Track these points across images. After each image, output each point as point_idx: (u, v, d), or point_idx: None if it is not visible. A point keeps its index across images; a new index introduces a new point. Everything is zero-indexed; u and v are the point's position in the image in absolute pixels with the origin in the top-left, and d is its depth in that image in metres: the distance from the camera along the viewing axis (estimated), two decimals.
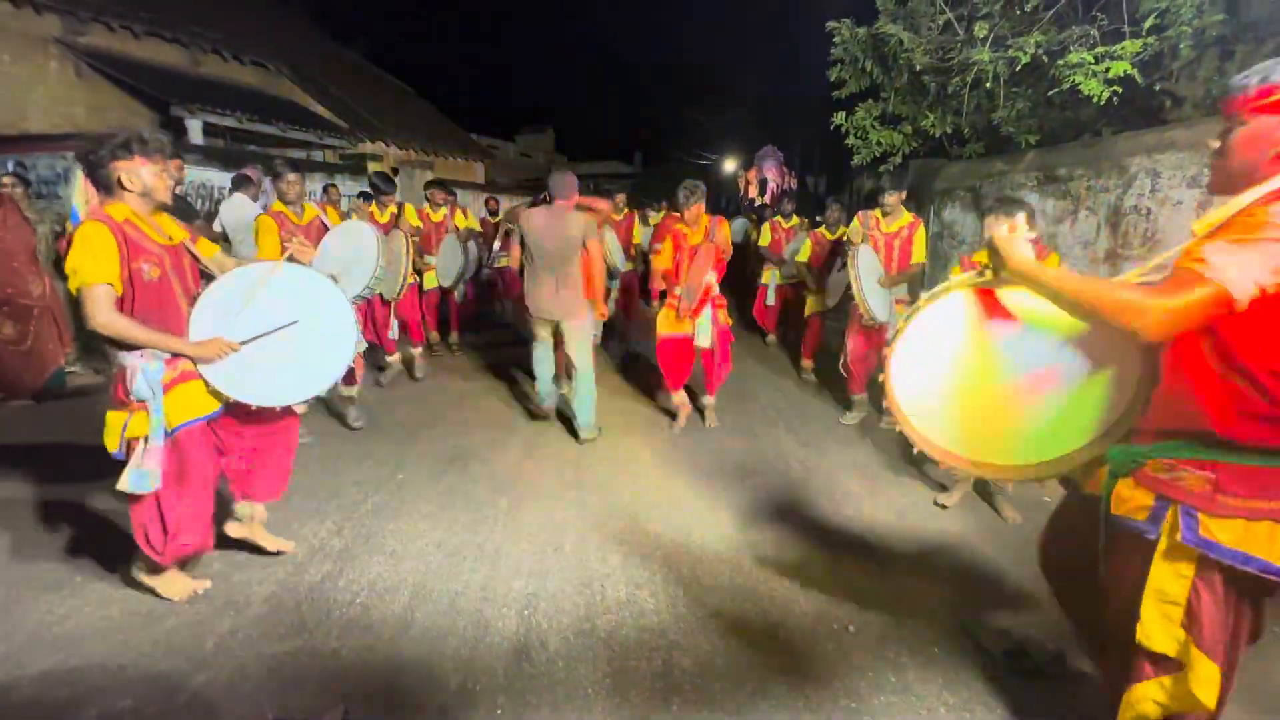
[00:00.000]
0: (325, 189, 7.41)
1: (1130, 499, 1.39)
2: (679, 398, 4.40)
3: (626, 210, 7.45)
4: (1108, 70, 4.42)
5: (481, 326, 7.56)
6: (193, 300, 2.25)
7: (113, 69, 8.27)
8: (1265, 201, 1.18)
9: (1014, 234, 1.46)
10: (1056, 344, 1.53)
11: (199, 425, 2.23)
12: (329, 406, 4.30)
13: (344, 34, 16.03)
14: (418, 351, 5.32)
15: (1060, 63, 4.66)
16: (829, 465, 3.84)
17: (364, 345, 3.62)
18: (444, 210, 6.04)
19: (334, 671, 2.04)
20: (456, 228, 6.03)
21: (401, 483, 3.42)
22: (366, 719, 1.86)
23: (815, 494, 3.44)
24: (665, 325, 4.26)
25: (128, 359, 2.11)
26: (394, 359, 5.05)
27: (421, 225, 5.52)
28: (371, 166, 9.65)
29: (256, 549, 2.62)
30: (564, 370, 5.05)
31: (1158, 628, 1.34)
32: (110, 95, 8.45)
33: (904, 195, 4.51)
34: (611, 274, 6.72)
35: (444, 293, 6.01)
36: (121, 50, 8.71)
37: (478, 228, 7.19)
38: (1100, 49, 4.53)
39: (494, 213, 8.53)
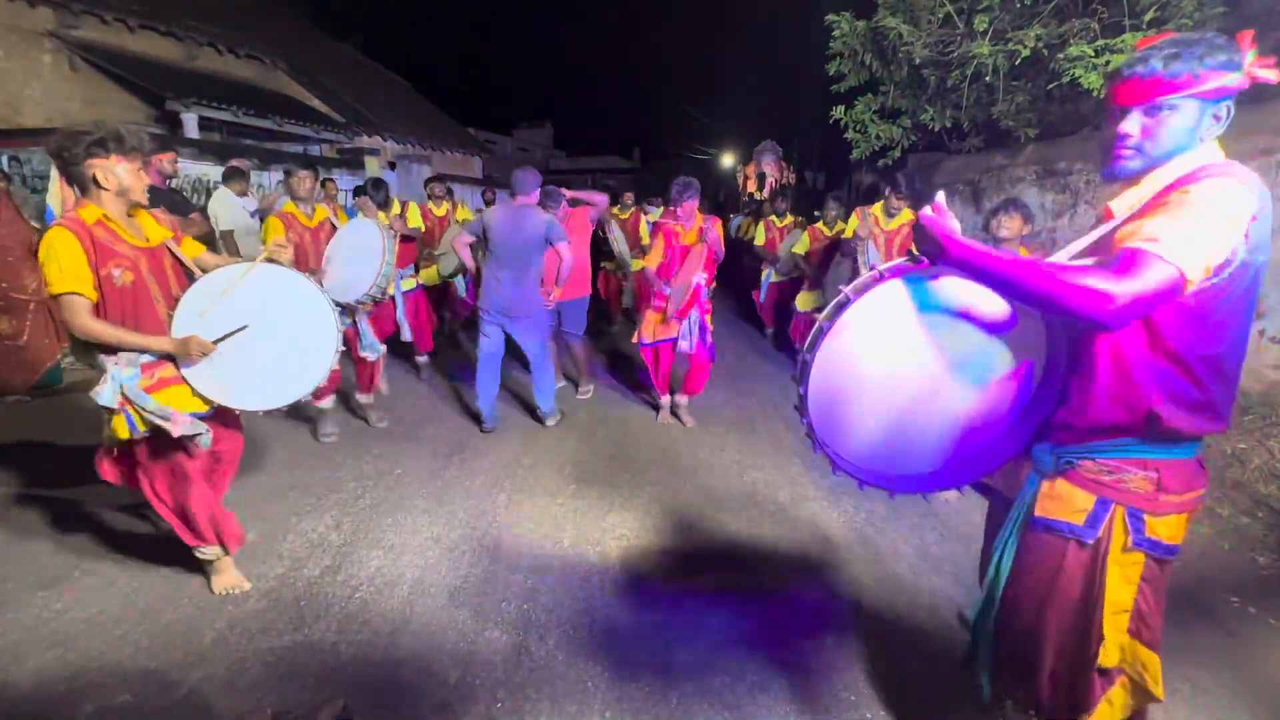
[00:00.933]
0: (322, 184, 7.38)
1: (1065, 500, 1.33)
2: (667, 399, 4.42)
3: (634, 208, 7.44)
4: (1108, 63, 4.40)
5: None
6: (173, 303, 2.19)
7: (107, 62, 8.19)
8: (1185, 182, 1.15)
9: (942, 214, 1.27)
10: (983, 337, 1.38)
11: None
12: (353, 410, 4.25)
13: (341, 28, 15.91)
14: (424, 359, 5.29)
15: (1060, 56, 4.64)
16: (828, 460, 3.83)
17: (380, 352, 3.61)
18: (446, 205, 6.11)
19: (333, 666, 2.04)
20: (458, 221, 6.08)
21: (400, 477, 3.41)
22: (366, 713, 1.85)
23: (814, 488, 3.44)
24: (649, 329, 4.19)
25: (105, 363, 2.07)
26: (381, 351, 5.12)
27: (423, 224, 5.48)
28: (369, 161, 9.62)
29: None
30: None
31: (1113, 642, 1.29)
32: (105, 89, 8.38)
33: (907, 201, 4.48)
34: (620, 268, 6.74)
35: (445, 284, 6.04)
36: (116, 43, 8.63)
37: (472, 216, 7.21)
38: (1100, 42, 4.51)
39: (489, 202, 8.57)
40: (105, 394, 2.05)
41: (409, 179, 10.64)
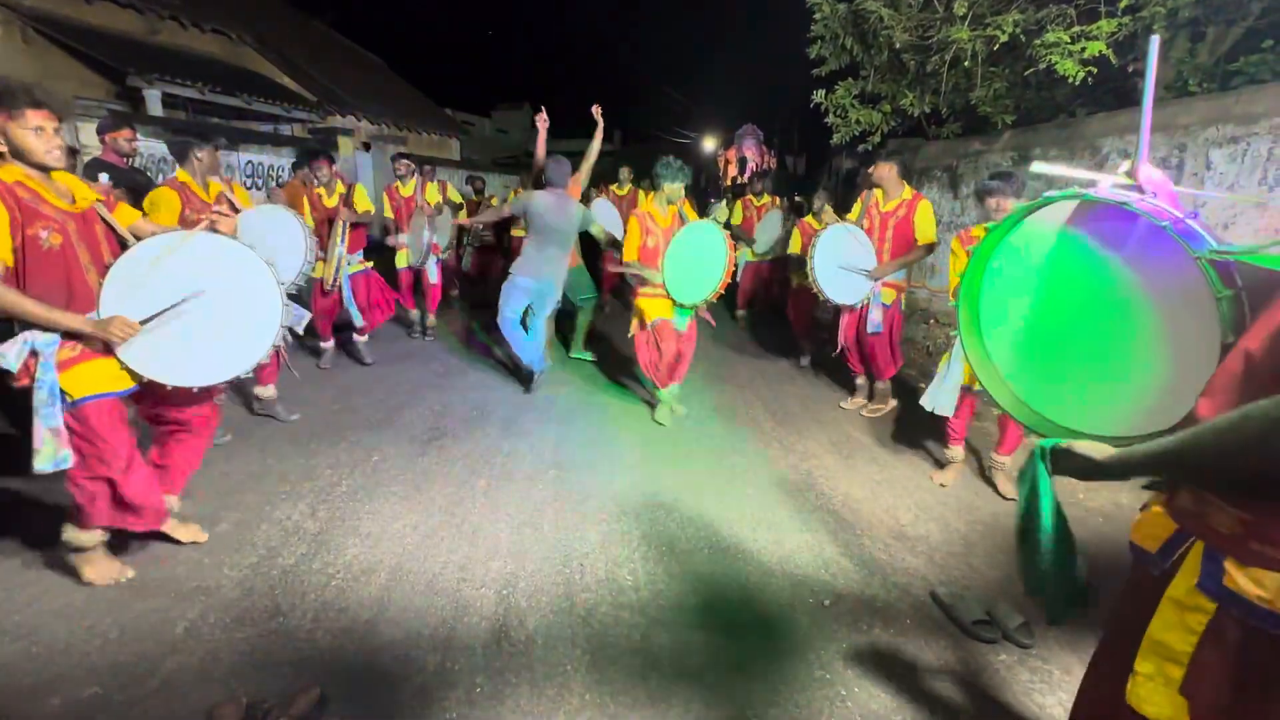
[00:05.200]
0: (294, 166, 7.18)
1: (1151, 523, 1.14)
2: (669, 389, 4.12)
3: (630, 186, 7.34)
4: (1083, 50, 4.45)
5: (466, 305, 7.45)
6: (104, 271, 2.05)
7: (63, 35, 7.84)
8: None
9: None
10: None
11: (109, 400, 2.09)
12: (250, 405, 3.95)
13: (310, 2, 15.42)
14: (363, 340, 4.96)
15: (1037, 42, 4.68)
16: (806, 444, 3.88)
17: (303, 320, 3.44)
18: (413, 183, 5.76)
19: (309, 654, 2.02)
20: (426, 203, 5.83)
21: (377, 464, 3.37)
22: (343, 701, 1.84)
23: (792, 472, 3.48)
24: (659, 312, 3.91)
25: (22, 331, 1.93)
26: (329, 345, 4.88)
27: (376, 206, 5.16)
28: (342, 141, 9.38)
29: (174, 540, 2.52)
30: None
31: (1154, 690, 1.07)
32: (61, 63, 8.03)
33: (894, 167, 4.05)
34: (602, 247, 6.67)
35: (415, 271, 5.82)
36: (72, 15, 8.26)
37: (458, 199, 7.01)
38: (1076, 29, 4.55)
39: (479, 191, 8.38)
40: (9, 355, 1.90)
41: (383, 160, 10.41)
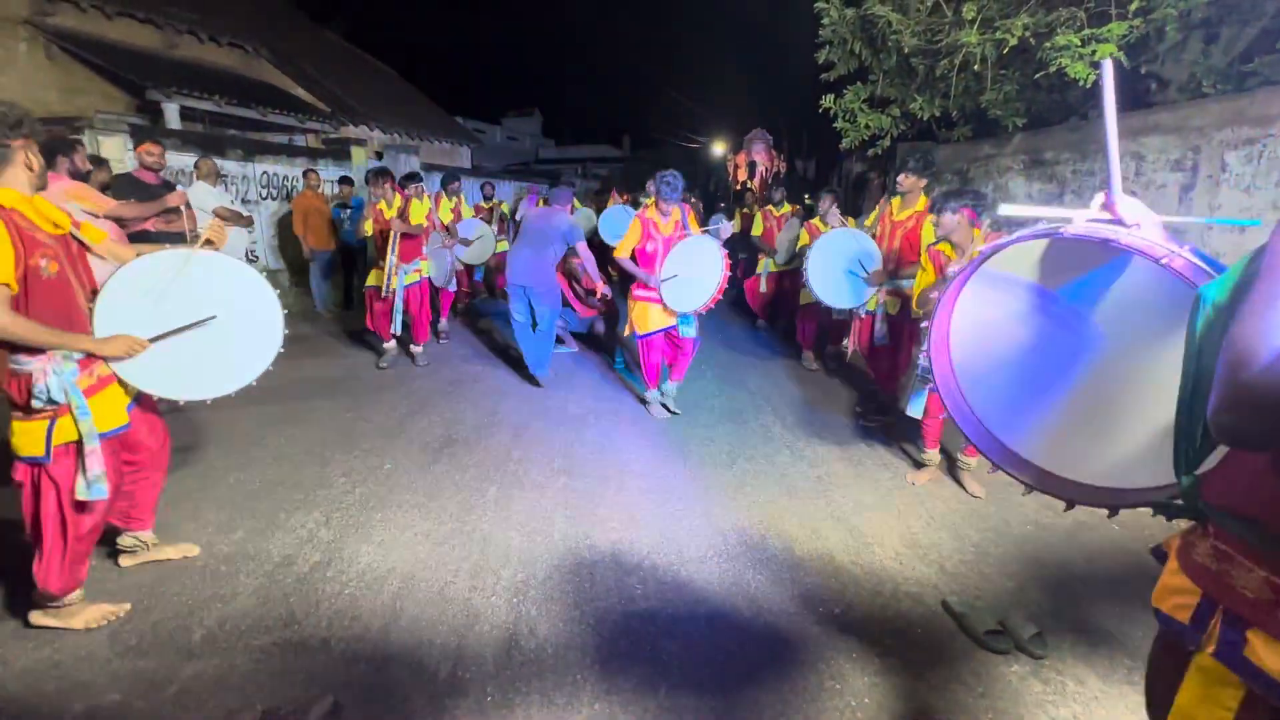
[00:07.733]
0: (305, 174, 7.29)
1: (1173, 587, 0.98)
2: (656, 393, 4.41)
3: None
4: (1094, 53, 4.42)
5: (473, 315, 7.51)
6: (91, 295, 2.03)
7: (85, 51, 8.03)
8: None
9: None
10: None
11: (114, 438, 2.11)
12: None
13: (323, 14, 15.63)
14: (419, 349, 5.43)
15: (1047, 45, 4.66)
16: (816, 450, 3.87)
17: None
18: (428, 201, 5.91)
19: (323, 662, 2.04)
20: (441, 223, 6.01)
21: (389, 472, 3.41)
22: (356, 709, 1.86)
23: (802, 479, 3.47)
24: (651, 321, 4.15)
25: (32, 363, 1.89)
26: (390, 345, 5.32)
27: (425, 222, 5.37)
28: (355, 151, 9.49)
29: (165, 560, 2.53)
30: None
31: None
32: (83, 78, 8.23)
33: (921, 180, 4.11)
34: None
35: (434, 285, 5.94)
36: (94, 31, 8.46)
37: (470, 215, 7.12)
38: (1086, 31, 4.52)
39: (488, 197, 8.48)
40: (53, 388, 1.89)
41: (396, 169, 10.52)
